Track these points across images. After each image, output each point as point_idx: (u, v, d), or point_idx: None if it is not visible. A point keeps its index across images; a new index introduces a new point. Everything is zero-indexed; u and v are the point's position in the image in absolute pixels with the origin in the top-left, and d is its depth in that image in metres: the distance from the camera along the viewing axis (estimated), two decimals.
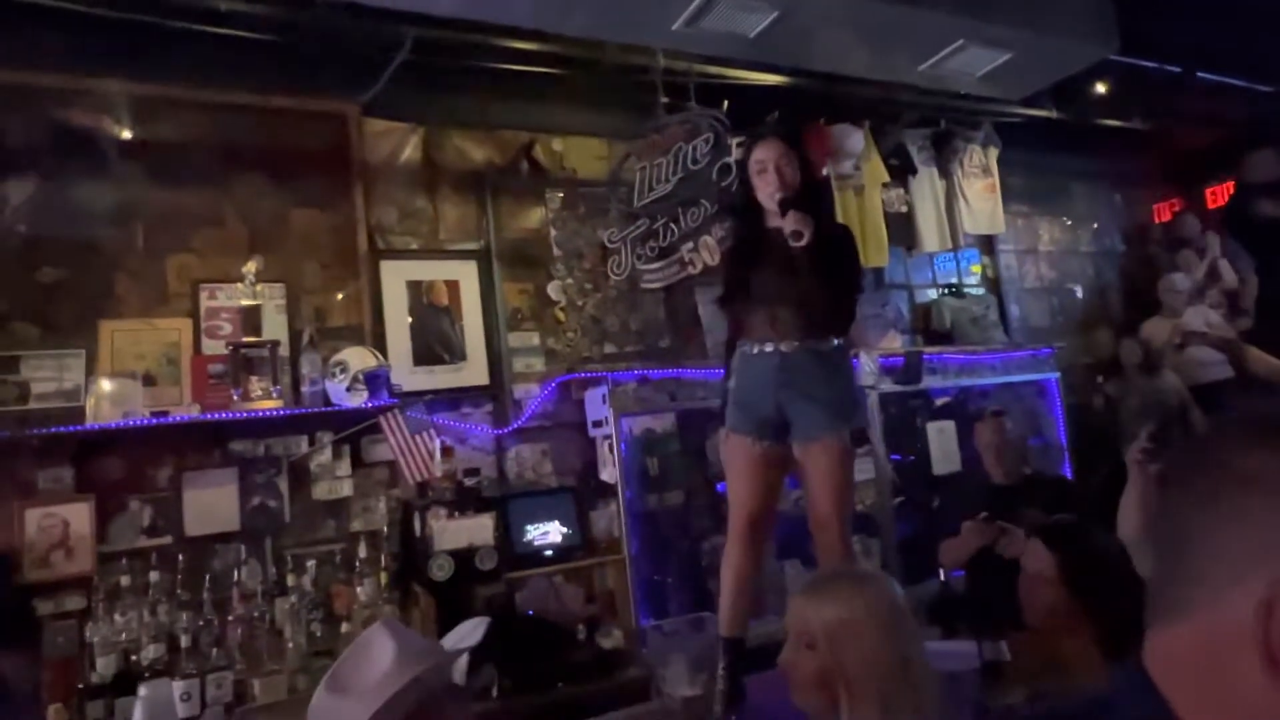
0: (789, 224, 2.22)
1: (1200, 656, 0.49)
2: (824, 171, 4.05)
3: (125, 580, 2.56)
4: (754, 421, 2.34)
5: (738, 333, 2.44)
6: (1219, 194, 5.69)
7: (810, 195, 2.44)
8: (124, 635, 2.47)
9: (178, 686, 2.35)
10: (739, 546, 2.36)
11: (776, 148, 2.39)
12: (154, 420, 2.65)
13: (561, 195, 3.65)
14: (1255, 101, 4.95)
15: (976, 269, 4.90)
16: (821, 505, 2.30)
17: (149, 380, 2.80)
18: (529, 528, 3.18)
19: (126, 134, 2.92)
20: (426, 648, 1.34)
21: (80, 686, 2.42)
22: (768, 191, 2.37)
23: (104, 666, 2.42)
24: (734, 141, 3.45)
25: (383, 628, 1.30)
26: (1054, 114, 4.56)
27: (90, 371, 2.73)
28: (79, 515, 2.59)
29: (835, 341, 2.36)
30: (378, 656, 1.23)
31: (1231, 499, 0.50)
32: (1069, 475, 4.30)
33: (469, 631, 1.43)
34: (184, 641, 2.48)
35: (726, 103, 3.66)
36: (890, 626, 1.39)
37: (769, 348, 2.32)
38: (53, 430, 2.53)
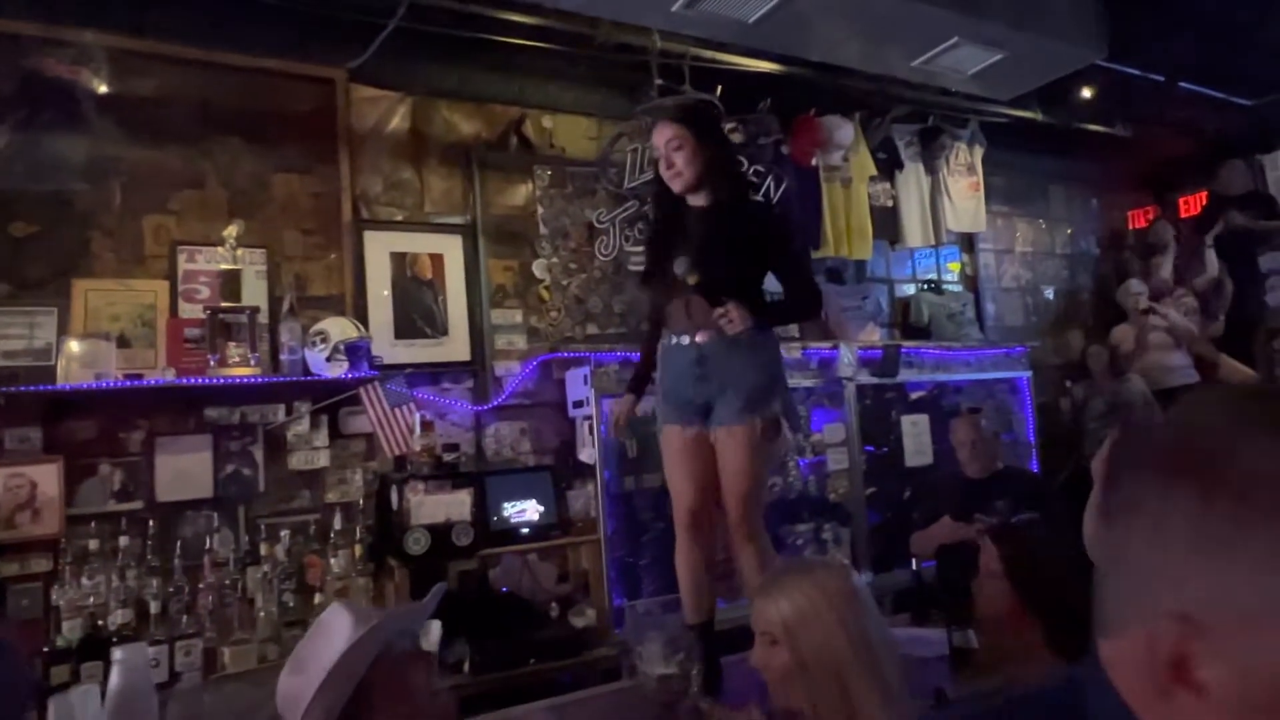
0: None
1: (1139, 669, 0.51)
2: (812, 162, 4.07)
3: (94, 544, 2.52)
4: (680, 411, 2.36)
5: (659, 319, 2.43)
6: (1192, 203, 5.82)
7: (720, 173, 2.34)
8: (91, 600, 2.43)
9: (139, 648, 2.31)
10: (685, 539, 2.38)
11: (678, 126, 2.31)
12: (127, 383, 2.59)
13: (550, 173, 3.63)
14: (1231, 113, 5.06)
15: (955, 266, 4.97)
16: (727, 491, 2.31)
17: (123, 342, 2.74)
18: (506, 505, 3.17)
19: (104, 88, 2.84)
20: (381, 615, 1.35)
21: (45, 650, 2.38)
22: (667, 174, 2.33)
23: (69, 630, 2.39)
24: (728, 127, 3.45)
25: (340, 607, 1.31)
26: (1039, 116, 4.61)
27: (62, 331, 2.66)
28: (47, 476, 2.54)
29: (755, 332, 2.28)
30: (335, 635, 1.24)
31: (1143, 533, 0.52)
32: (1037, 471, 4.40)
33: (422, 602, 1.44)
34: (153, 608, 2.45)
35: (720, 88, 3.66)
36: (842, 610, 1.41)
37: (685, 340, 2.32)
38: (21, 389, 2.46)
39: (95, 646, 2.34)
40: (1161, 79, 4.54)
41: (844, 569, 1.50)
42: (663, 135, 2.33)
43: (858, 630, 1.40)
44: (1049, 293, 5.42)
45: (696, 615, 2.36)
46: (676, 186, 2.33)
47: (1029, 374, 4.55)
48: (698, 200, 2.37)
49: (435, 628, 2.41)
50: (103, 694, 1.78)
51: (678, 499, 2.39)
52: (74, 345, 2.57)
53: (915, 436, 4.12)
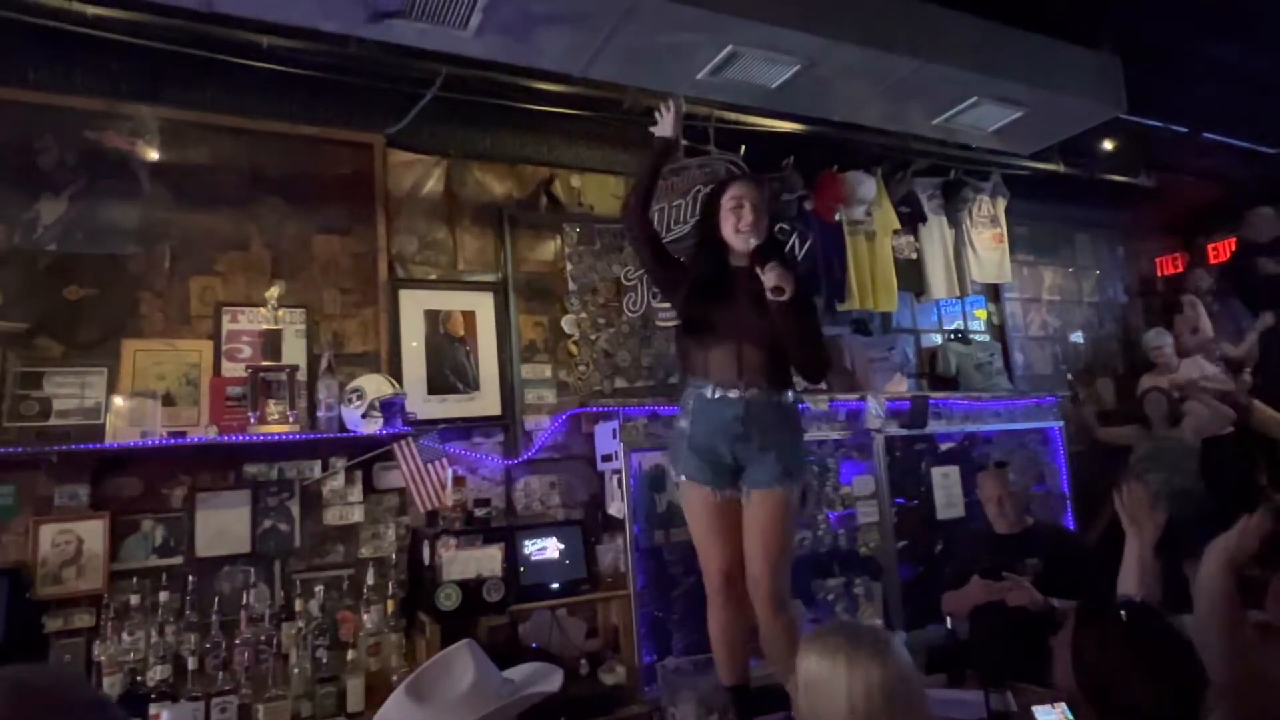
0: (771, 278, 2.15)
1: None
2: (835, 217, 4.13)
3: (135, 599, 2.58)
4: (712, 470, 2.28)
5: (692, 370, 2.38)
6: (1220, 249, 5.79)
7: (773, 244, 2.46)
8: (131, 655, 2.48)
9: (185, 709, 2.35)
10: (720, 603, 2.30)
11: (752, 188, 2.41)
12: (171, 440, 2.67)
13: (578, 230, 3.72)
14: (1257, 161, 5.06)
15: (981, 314, 4.97)
16: (757, 560, 2.24)
17: (168, 400, 2.83)
18: (535, 560, 3.19)
19: (156, 156, 2.99)
20: (501, 683, 1.40)
21: None
22: (739, 227, 2.35)
23: (110, 686, 2.43)
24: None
25: (466, 649, 1.38)
26: (1061, 168, 4.65)
27: (111, 390, 2.76)
28: (93, 533, 2.61)
29: (791, 394, 2.36)
30: (459, 676, 1.30)
31: None
32: (1071, 523, 4.33)
33: (543, 675, 1.47)
34: (190, 664, 2.49)
35: (744, 147, 3.75)
36: (853, 684, 1.33)
37: (733, 393, 2.27)
38: (72, 447, 2.55)
39: (134, 703, 2.37)
40: (1184, 130, 4.57)
41: (883, 643, 1.40)
42: (741, 193, 2.39)
43: (866, 706, 1.33)
44: (1079, 340, 5.38)
45: (732, 677, 2.31)
46: (745, 243, 2.35)
47: (1060, 424, 4.50)
48: (740, 259, 2.41)
49: None
50: None
51: (710, 560, 2.32)
52: (121, 403, 2.67)
53: (946, 488, 4.08)
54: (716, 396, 2.28)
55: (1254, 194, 5.41)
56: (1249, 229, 5.38)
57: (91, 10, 2.67)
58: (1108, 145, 4.58)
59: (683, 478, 2.36)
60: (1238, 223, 5.46)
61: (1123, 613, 1.43)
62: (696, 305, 2.38)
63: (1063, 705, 2.11)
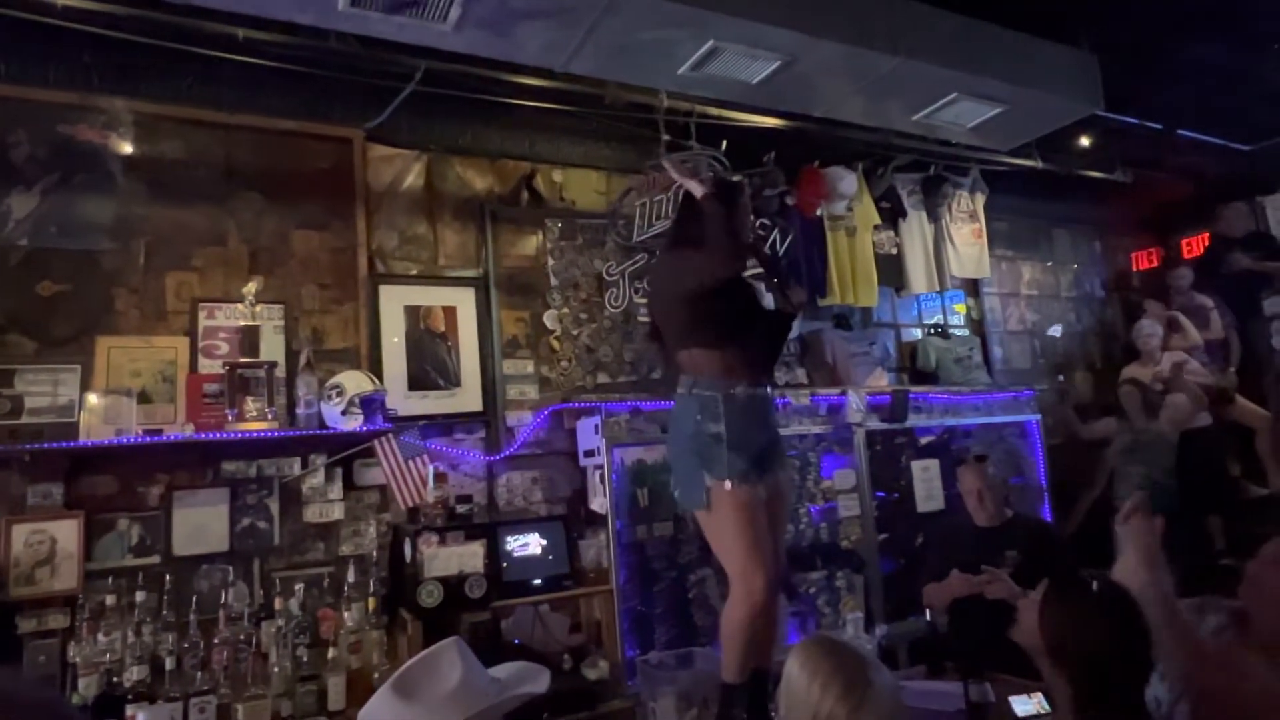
0: (796, 295, 2.41)
1: None
2: (817, 212, 4.15)
3: (110, 600, 2.54)
4: (757, 465, 2.26)
5: (700, 371, 2.35)
6: (1194, 245, 5.88)
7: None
8: (107, 656, 2.44)
9: (162, 710, 2.32)
10: (766, 604, 2.18)
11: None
12: (147, 439, 2.64)
13: (560, 225, 3.71)
14: (1231, 158, 5.13)
15: (961, 308, 5.01)
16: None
17: (143, 398, 2.80)
18: (517, 556, 3.18)
19: (130, 150, 2.95)
20: (489, 681, 1.39)
21: None
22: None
23: (85, 687, 2.39)
24: (734, 179, 3.52)
25: (453, 646, 1.38)
26: (1039, 164, 4.70)
27: (85, 387, 2.72)
28: (67, 532, 2.58)
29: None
30: (446, 674, 1.29)
31: None
32: (1048, 515, 4.38)
33: (531, 676, 1.47)
34: (168, 664, 2.45)
35: (725, 142, 3.75)
36: (811, 691, 1.36)
37: (758, 391, 2.36)
38: (45, 446, 2.51)
39: (111, 704, 2.35)
40: (1160, 127, 4.63)
41: (846, 654, 1.41)
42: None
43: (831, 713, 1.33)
44: (1056, 334, 5.45)
45: (742, 674, 2.25)
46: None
47: (1038, 417, 4.55)
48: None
49: None
50: None
51: (757, 561, 2.18)
52: (95, 401, 2.63)
53: (926, 482, 4.12)
54: (745, 394, 2.32)
55: (1227, 190, 5.50)
56: (1223, 224, 5.47)
57: (62, 1, 2.62)
58: (1084, 142, 4.63)
59: (727, 482, 2.23)
60: (1212, 218, 5.55)
61: (1094, 584, 1.52)
62: (712, 309, 2.38)
63: (1039, 695, 2.15)
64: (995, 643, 1.96)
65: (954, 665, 2.41)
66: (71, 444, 2.55)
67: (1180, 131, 4.71)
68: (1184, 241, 5.97)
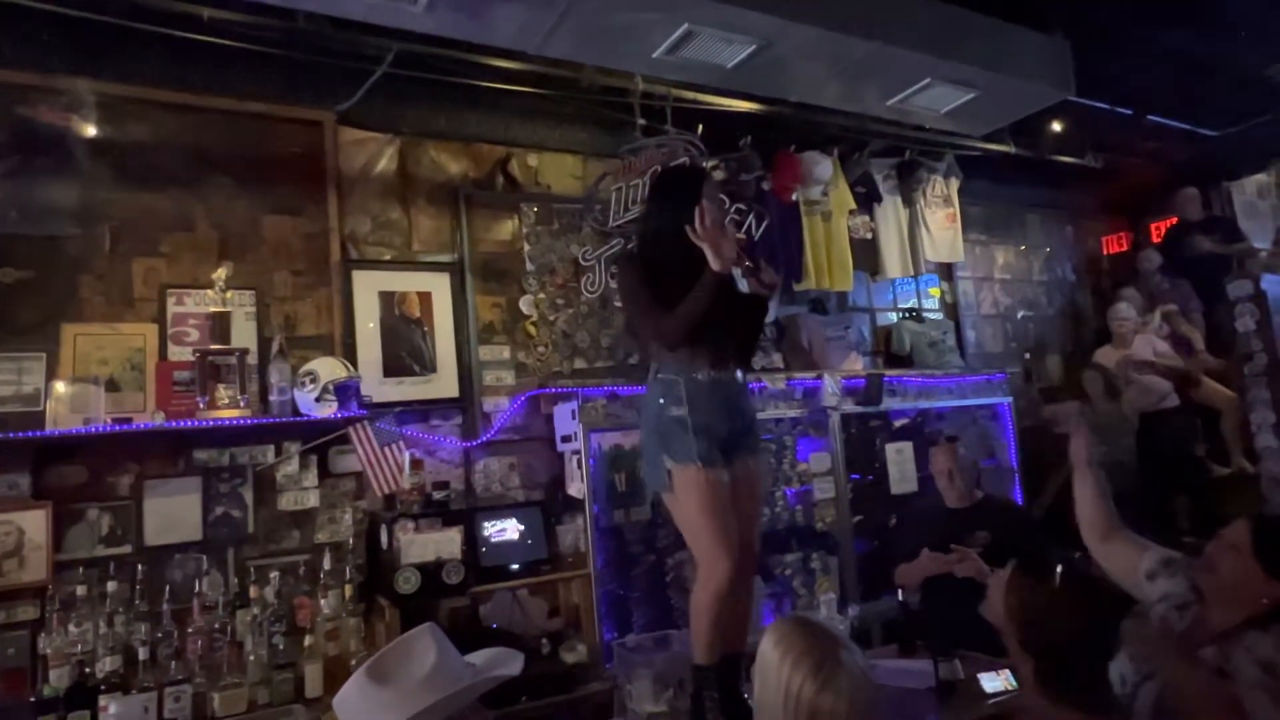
0: (767, 276, 2.25)
1: None
2: (792, 197, 4.16)
3: (81, 590, 2.52)
4: (720, 450, 2.26)
5: (671, 355, 2.34)
6: (1163, 229, 5.98)
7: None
8: (79, 647, 2.42)
9: (135, 701, 2.31)
10: (735, 582, 2.18)
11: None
12: (116, 427, 2.59)
13: (536, 210, 3.68)
14: (1199, 143, 5.21)
15: (935, 292, 5.07)
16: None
17: (112, 386, 2.75)
18: (495, 541, 3.19)
19: (96, 133, 2.88)
20: (463, 666, 1.40)
21: (31, 700, 2.36)
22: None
23: (57, 679, 2.37)
24: (710, 164, 3.53)
25: (427, 632, 1.38)
26: (1012, 149, 4.74)
27: (51, 375, 2.67)
28: (35, 523, 2.53)
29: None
30: (420, 659, 1.30)
31: None
32: (1019, 496, 4.46)
33: (504, 660, 1.49)
34: (142, 654, 2.43)
35: (701, 127, 3.74)
36: (782, 670, 1.36)
37: (725, 374, 2.34)
38: (10, 435, 2.46)
39: (83, 695, 2.33)
40: (1130, 112, 4.69)
41: (816, 632, 1.41)
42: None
43: (798, 693, 1.34)
44: (1028, 318, 5.53)
45: (714, 655, 2.24)
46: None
47: (1010, 400, 4.62)
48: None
49: None
50: None
51: (724, 541, 2.19)
52: (62, 389, 2.59)
53: (900, 464, 4.17)
54: (715, 378, 2.32)
55: (1195, 176, 5.59)
56: (1178, 209, 5.58)
57: None
58: (1056, 126, 4.67)
59: (691, 465, 2.23)
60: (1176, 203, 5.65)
61: (1060, 564, 1.55)
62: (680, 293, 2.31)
63: (1006, 671, 2.20)
64: (965, 621, 2.01)
65: (925, 644, 2.46)
66: (38, 433, 2.51)
67: (1150, 117, 4.77)
68: (1153, 225, 6.07)
